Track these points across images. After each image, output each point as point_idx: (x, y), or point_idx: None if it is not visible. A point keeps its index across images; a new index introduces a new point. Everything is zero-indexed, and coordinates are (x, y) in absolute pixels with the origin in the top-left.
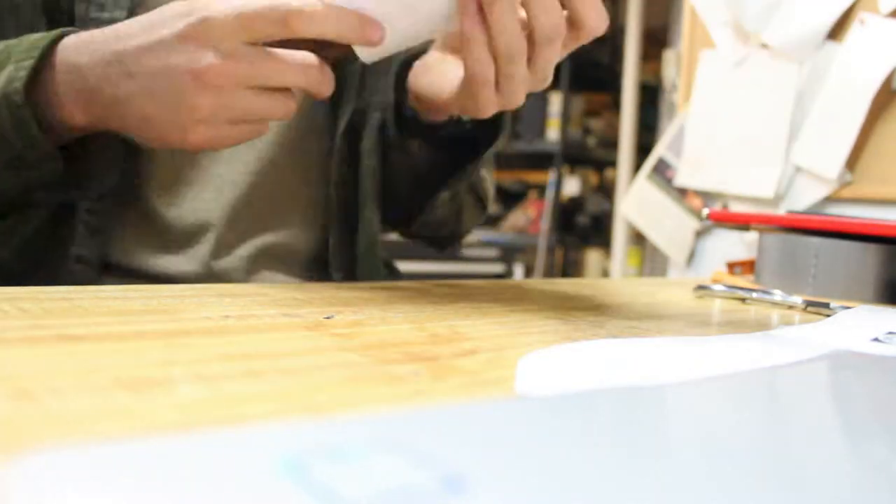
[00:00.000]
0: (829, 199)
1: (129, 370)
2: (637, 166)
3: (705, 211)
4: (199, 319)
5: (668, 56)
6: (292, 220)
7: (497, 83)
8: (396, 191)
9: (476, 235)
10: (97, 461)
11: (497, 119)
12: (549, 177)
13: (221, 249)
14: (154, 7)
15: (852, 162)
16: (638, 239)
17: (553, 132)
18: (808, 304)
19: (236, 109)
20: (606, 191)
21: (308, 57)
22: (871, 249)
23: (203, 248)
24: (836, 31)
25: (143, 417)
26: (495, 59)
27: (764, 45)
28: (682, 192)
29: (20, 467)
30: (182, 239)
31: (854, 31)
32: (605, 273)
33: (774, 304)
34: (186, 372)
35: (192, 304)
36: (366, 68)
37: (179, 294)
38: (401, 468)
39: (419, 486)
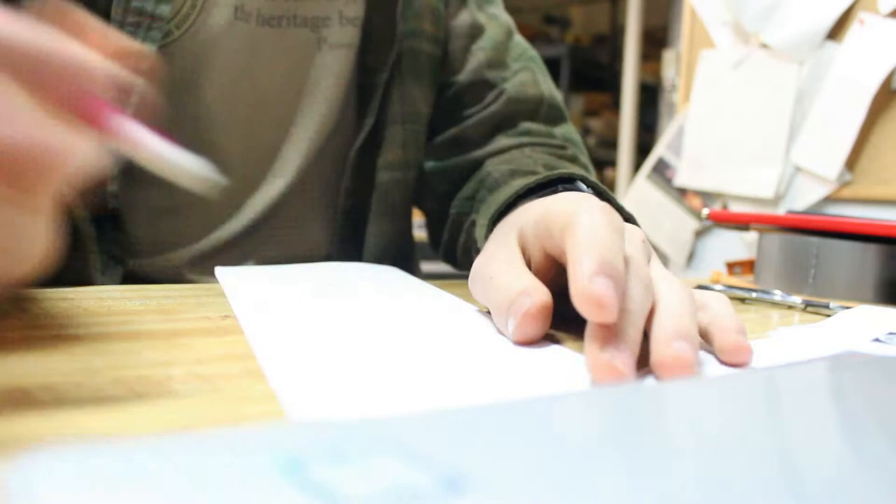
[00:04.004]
0: (829, 199)
1: (129, 370)
2: (637, 166)
3: (705, 211)
4: (199, 319)
5: (668, 56)
6: (310, 230)
7: None
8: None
9: None
10: (97, 461)
11: None
12: None
13: (235, 262)
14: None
15: (852, 162)
16: None
17: None
18: (808, 304)
19: None
20: None
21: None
22: (871, 249)
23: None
24: (836, 31)
25: (143, 417)
26: None
27: (764, 45)
28: (682, 192)
29: (20, 467)
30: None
31: (854, 31)
32: None
33: (774, 304)
34: (186, 372)
35: (192, 304)
36: (391, 80)
37: (179, 294)
38: (401, 468)
39: (419, 486)
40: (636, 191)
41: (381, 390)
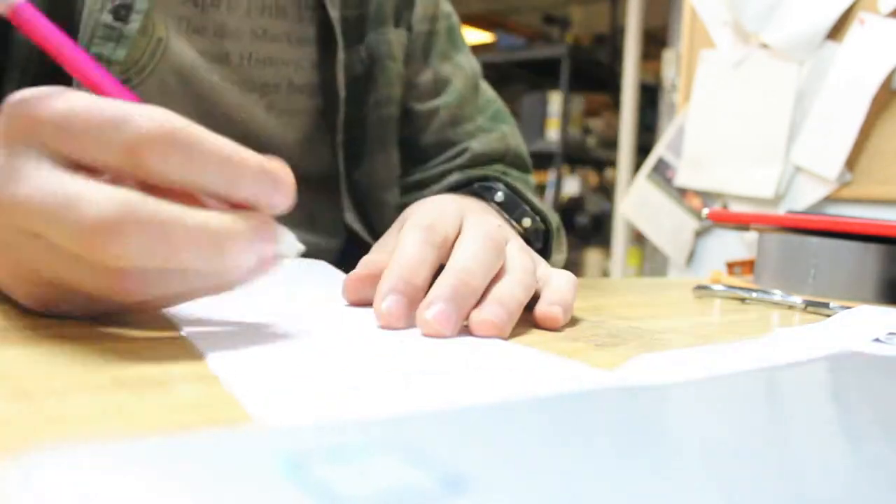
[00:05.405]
0: (829, 199)
1: (129, 370)
2: (637, 166)
3: (705, 211)
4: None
5: (668, 56)
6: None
7: None
8: None
9: None
10: (97, 461)
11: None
12: (549, 177)
13: None
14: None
15: (852, 162)
16: (638, 239)
17: (553, 132)
18: (808, 304)
19: (10, 254)
20: (606, 191)
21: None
22: (871, 249)
23: None
24: (836, 31)
25: (143, 417)
26: None
27: (764, 45)
28: (682, 192)
29: (20, 467)
30: None
31: (854, 31)
32: (605, 273)
33: (774, 304)
34: (186, 372)
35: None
36: (359, 146)
37: None
38: (401, 468)
39: (419, 486)
40: (636, 191)
41: (347, 393)
